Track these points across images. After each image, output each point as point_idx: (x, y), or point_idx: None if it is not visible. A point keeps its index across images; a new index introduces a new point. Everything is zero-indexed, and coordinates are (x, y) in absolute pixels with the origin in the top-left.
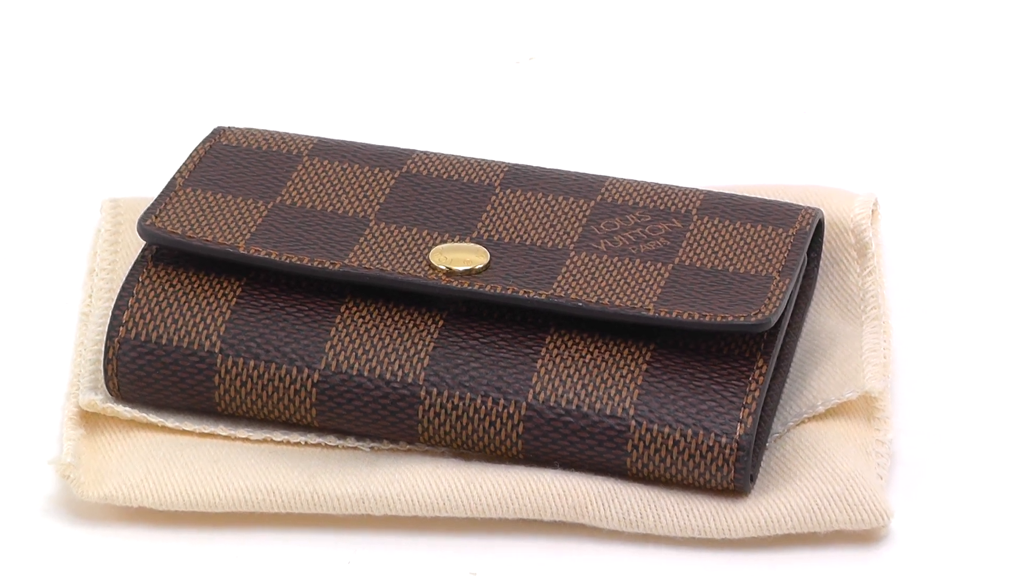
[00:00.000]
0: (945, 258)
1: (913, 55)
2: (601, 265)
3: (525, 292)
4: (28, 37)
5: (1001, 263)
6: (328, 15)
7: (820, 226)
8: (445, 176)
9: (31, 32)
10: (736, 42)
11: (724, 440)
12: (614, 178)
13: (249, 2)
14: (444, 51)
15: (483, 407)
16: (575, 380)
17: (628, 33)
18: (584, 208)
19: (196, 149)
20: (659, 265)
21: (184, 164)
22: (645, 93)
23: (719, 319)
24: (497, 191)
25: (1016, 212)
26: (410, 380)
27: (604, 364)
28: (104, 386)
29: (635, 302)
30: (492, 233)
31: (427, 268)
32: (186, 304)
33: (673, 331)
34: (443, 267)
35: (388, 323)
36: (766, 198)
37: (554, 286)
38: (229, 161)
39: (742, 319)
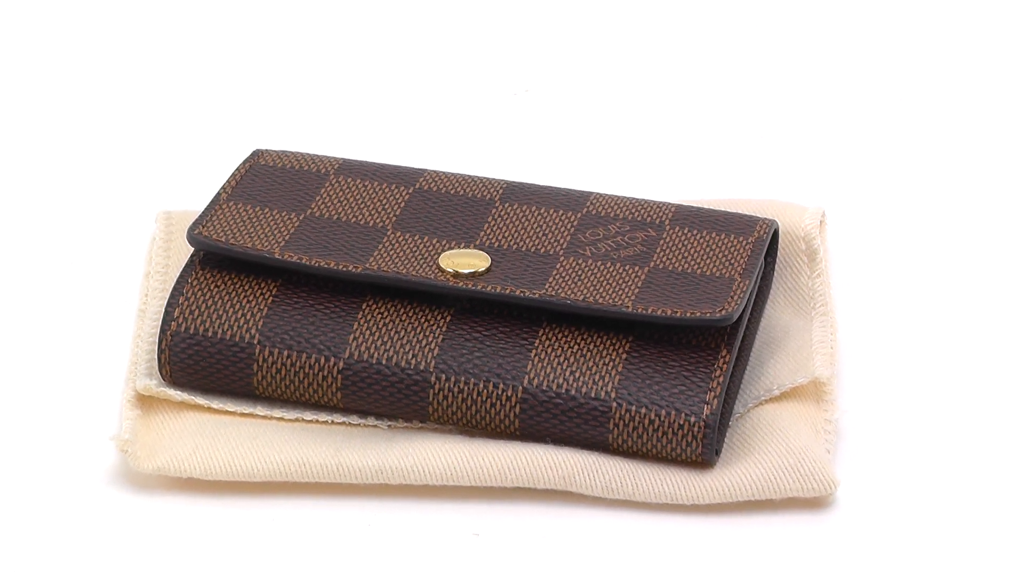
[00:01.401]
0: (882, 263)
1: (851, 89)
2: (587, 268)
3: (521, 292)
4: (101, 75)
5: (929, 267)
6: (356, 58)
7: (775, 235)
8: (452, 192)
9: (104, 70)
10: (701, 82)
11: (693, 419)
12: (598, 193)
13: (285, 49)
14: (453, 85)
15: (485, 391)
16: (564, 367)
17: (609, 70)
18: (572, 219)
19: (238, 168)
20: (636, 268)
21: (227, 181)
22: (625, 119)
23: (689, 315)
24: (497, 205)
25: (940, 222)
26: (422, 367)
27: (589, 354)
28: (158, 373)
29: (616, 300)
30: (493, 241)
31: (437, 271)
32: (229, 302)
33: (649, 325)
34: (450, 270)
35: (403, 318)
36: (729, 211)
37: (546, 286)
38: (266, 179)
39: (708, 315)
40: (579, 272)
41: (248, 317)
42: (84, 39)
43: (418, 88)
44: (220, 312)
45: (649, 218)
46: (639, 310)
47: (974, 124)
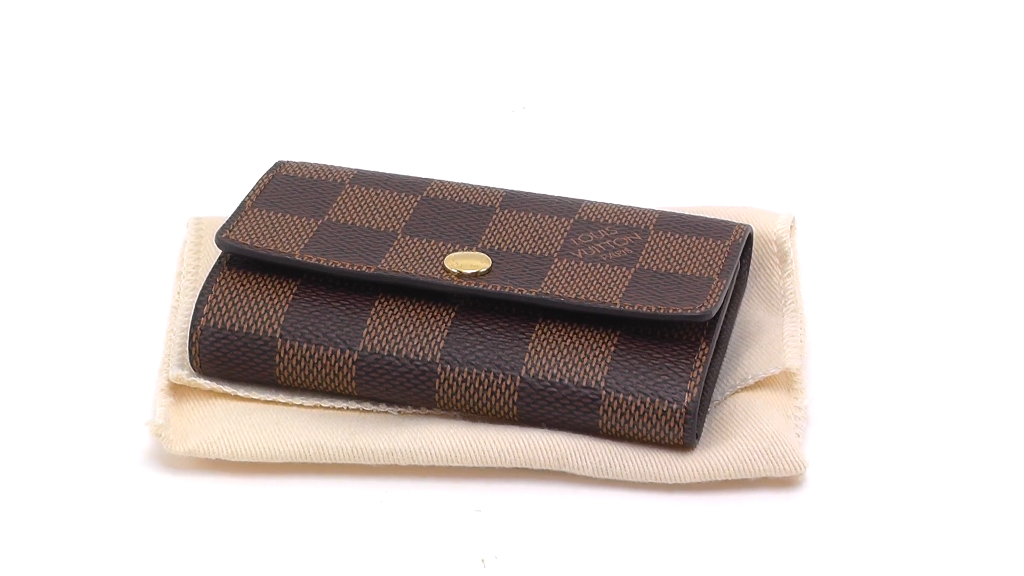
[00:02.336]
0: (847, 264)
1: (818, 107)
2: (579, 269)
3: (519, 290)
4: (143, 98)
5: (890, 268)
6: (371, 80)
7: (750, 238)
8: (456, 199)
9: (145, 94)
10: (682, 100)
11: (675, 406)
12: (589, 201)
13: (308, 71)
14: (457, 103)
15: (486, 380)
16: (558, 359)
17: (598, 90)
18: (565, 224)
19: (262, 178)
20: (624, 269)
21: (252, 190)
22: (613, 134)
23: (671, 311)
24: (497, 211)
25: (899, 227)
26: (429, 359)
27: (581, 346)
28: (188, 364)
29: (605, 298)
30: (493, 244)
31: (442, 271)
32: (253, 299)
33: (635, 321)
34: (455, 271)
35: (412, 314)
36: (708, 216)
37: (542, 286)
38: (287, 187)
39: (689, 311)
40: (572, 272)
41: (271, 313)
42: (133, 65)
43: (426, 106)
44: (245, 309)
45: (635, 223)
46: (626, 307)
47: (928, 139)
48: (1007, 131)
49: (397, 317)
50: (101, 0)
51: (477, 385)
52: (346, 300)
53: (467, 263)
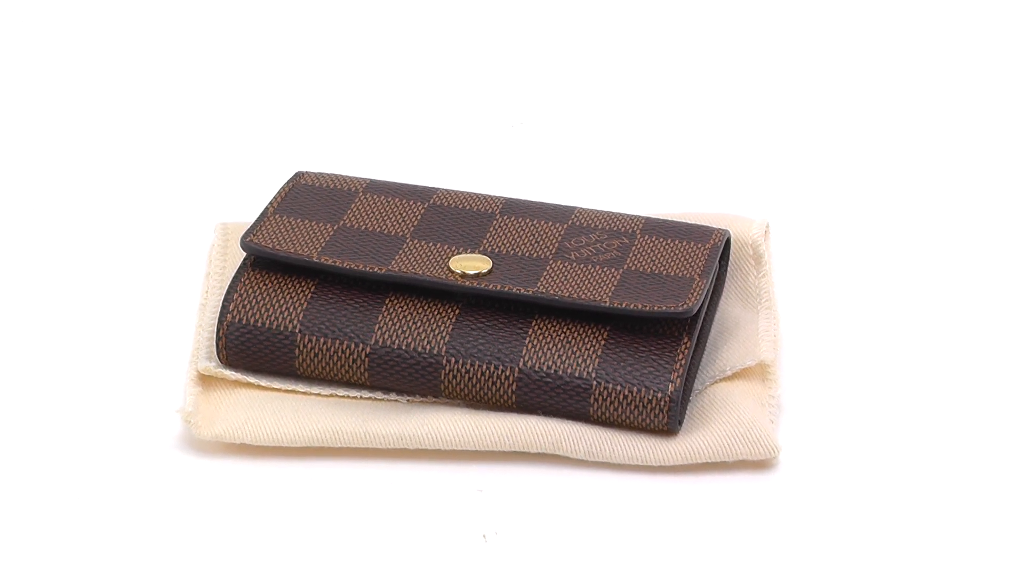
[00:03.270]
0: (817, 266)
1: (790, 124)
2: (571, 270)
3: (517, 289)
4: (177, 116)
5: (856, 269)
6: (384, 99)
7: (728, 242)
8: (460, 206)
9: (176, 111)
10: (667, 117)
11: (660, 395)
12: (581, 208)
13: (325, 91)
14: (461, 120)
15: (488, 371)
16: (553, 352)
17: (588, 108)
18: (559, 229)
19: (282, 187)
20: (613, 270)
21: (274, 197)
22: (603, 147)
23: (656, 308)
24: (497, 217)
25: (864, 233)
26: (435, 351)
27: (574, 341)
28: (216, 356)
29: (596, 297)
30: (494, 247)
31: (447, 272)
32: (275, 298)
33: (623, 317)
34: (459, 271)
35: (419, 311)
36: (690, 222)
37: (538, 285)
38: (306, 195)
39: (672, 308)
40: (565, 273)
41: (291, 310)
42: (173, 91)
43: (433, 122)
44: (268, 306)
45: (623, 228)
46: (615, 304)
47: (887, 154)
48: (960, 141)
49: (406, 314)
50: (142, 24)
51: (479, 376)
52: (360, 298)
53: (470, 264)
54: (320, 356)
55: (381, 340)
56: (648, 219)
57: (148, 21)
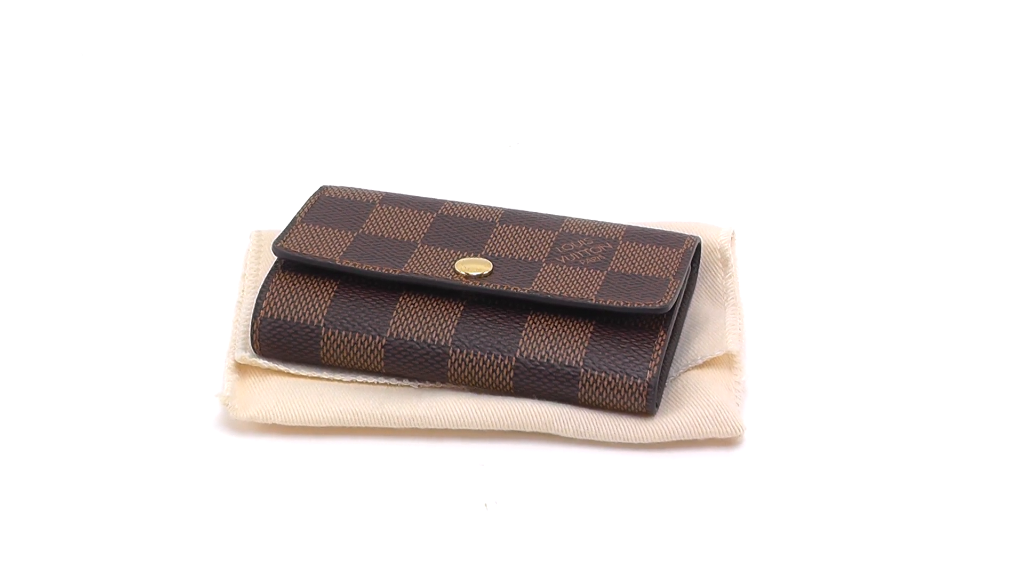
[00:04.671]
0: (776, 267)
1: (756, 143)
2: (562, 272)
3: (515, 289)
4: (217, 138)
5: (811, 271)
6: (397, 124)
7: (699, 247)
8: (464, 216)
9: (218, 133)
10: (646, 137)
11: (639, 381)
12: (570, 217)
13: (346, 117)
14: (466, 141)
15: (489, 360)
16: (546, 343)
17: (577, 129)
18: (551, 236)
19: (309, 199)
20: (598, 272)
21: (301, 208)
22: (590, 163)
23: (636, 305)
24: (497, 225)
25: (818, 239)
26: (443, 343)
27: (564, 333)
28: (250, 347)
29: (583, 295)
30: (494, 251)
31: (453, 273)
32: (302, 296)
33: (607, 313)
34: (463, 273)
35: (429, 308)
36: (665, 230)
37: (533, 285)
38: (329, 206)
39: (650, 305)
40: (557, 274)
41: (316, 307)
42: (215, 118)
43: (442, 142)
44: (296, 303)
45: (607, 235)
46: (600, 302)
47: (839, 167)
48: (906, 151)
49: (417, 310)
50: (182, 45)
51: (481, 364)
52: (376, 296)
53: (473, 267)
54: (342, 347)
55: (395, 333)
56: (629, 227)
57: (198, 55)
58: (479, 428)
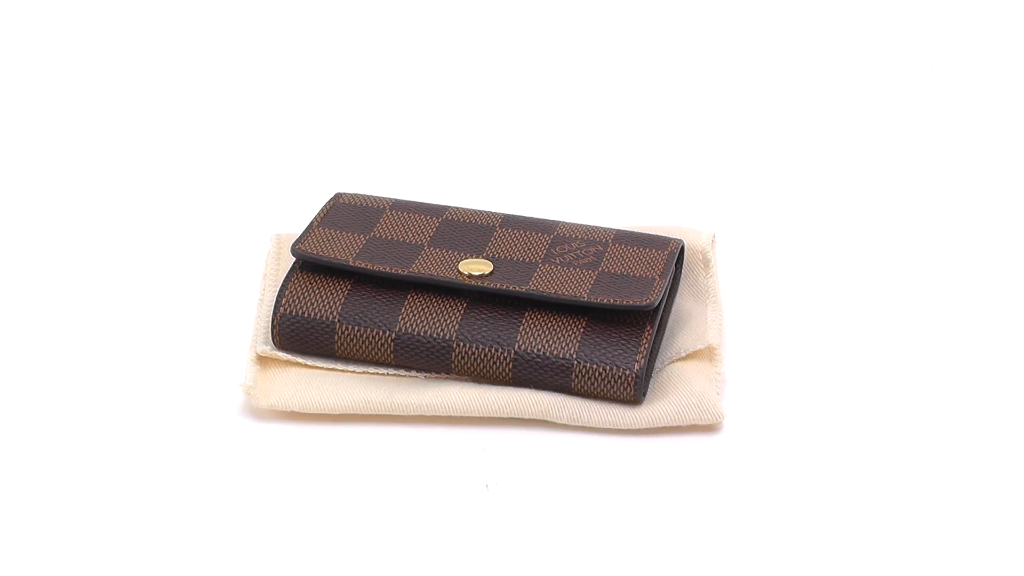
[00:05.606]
0: (753, 268)
1: (737, 152)
2: (557, 272)
3: (513, 287)
4: (238, 147)
5: (785, 272)
6: (406, 136)
7: (683, 249)
8: (467, 220)
9: (239, 143)
10: (635, 148)
11: (628, 372)
12: (564, 222)
13: (359, 131)
14: (469, 150)
15: (489, 353)
16: (542, 337)
17: (570, 142)
18: (547, 239)
19: (324, 205)
20: (590, 272)
21: (318, 214)
22: (583, 172)
23: (625, 302)
24: (498, 229)
25: (793, 242)
26: (447, 337)
27: (558, 328)
28: (271, 341)
29: (576, 293)
30: (495, 253)
31: (457, 273)
32: (318, 294)
33: (599, 309)
34: (466, 273)
35: (434, 305)
36: (651, 233)
37: (530, 284)
38: (343, 212)
39: (638, 303)
40: (552, 274)
41: (331, 304)
42: (239, 130)
43: (447, 152)
44: (312, 301)
45: (598, 238)
46: (592, 299)
47: (811, 176)
48: (877, 158)
49: (424, 307)
50: (221, 71)
51: (483, 357)
52: (386, 294)
53: (475, 267)
54: (355, 341)
55: (404, 328)
56: (618, 231)
57: (221, 67)
58: (480, 415)
